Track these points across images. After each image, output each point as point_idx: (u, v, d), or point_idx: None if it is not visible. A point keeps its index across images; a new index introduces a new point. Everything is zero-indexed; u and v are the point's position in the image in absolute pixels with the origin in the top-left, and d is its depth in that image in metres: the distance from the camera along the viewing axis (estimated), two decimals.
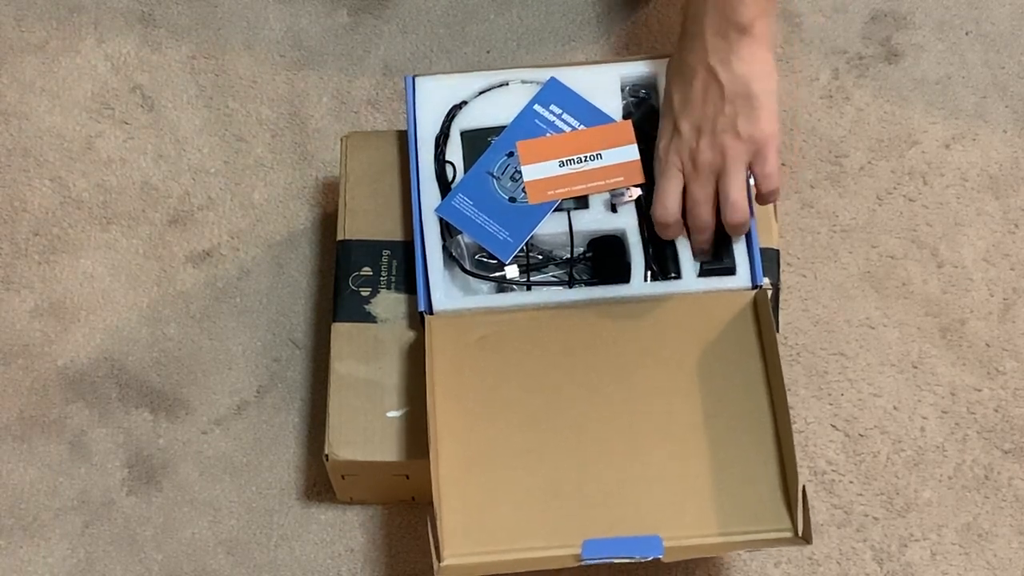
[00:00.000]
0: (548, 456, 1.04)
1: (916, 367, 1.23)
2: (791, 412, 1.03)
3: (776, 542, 1.02)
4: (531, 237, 1.11)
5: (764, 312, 1.07)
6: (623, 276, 1.10)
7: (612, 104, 1.15)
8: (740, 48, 1.04)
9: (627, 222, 1.11)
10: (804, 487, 0.99)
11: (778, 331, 1.09)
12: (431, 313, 1.09)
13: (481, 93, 1.16)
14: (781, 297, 1.23)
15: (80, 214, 1.30)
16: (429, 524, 0.99)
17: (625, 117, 1.15)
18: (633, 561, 0.99)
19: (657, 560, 0.99)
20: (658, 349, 1.07)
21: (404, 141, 1.18)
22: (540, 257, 1.12)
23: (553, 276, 1.12)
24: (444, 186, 1.13)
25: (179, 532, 1.18)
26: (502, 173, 1.13)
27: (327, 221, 1.29)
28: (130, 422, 1.22)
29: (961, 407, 1.22)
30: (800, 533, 1.01)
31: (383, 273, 1.14)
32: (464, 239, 1.12)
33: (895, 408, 1.22)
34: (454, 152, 1.15)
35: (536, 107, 1.15)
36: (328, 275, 1.26)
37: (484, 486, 1.03)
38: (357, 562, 1.17)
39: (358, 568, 1.17)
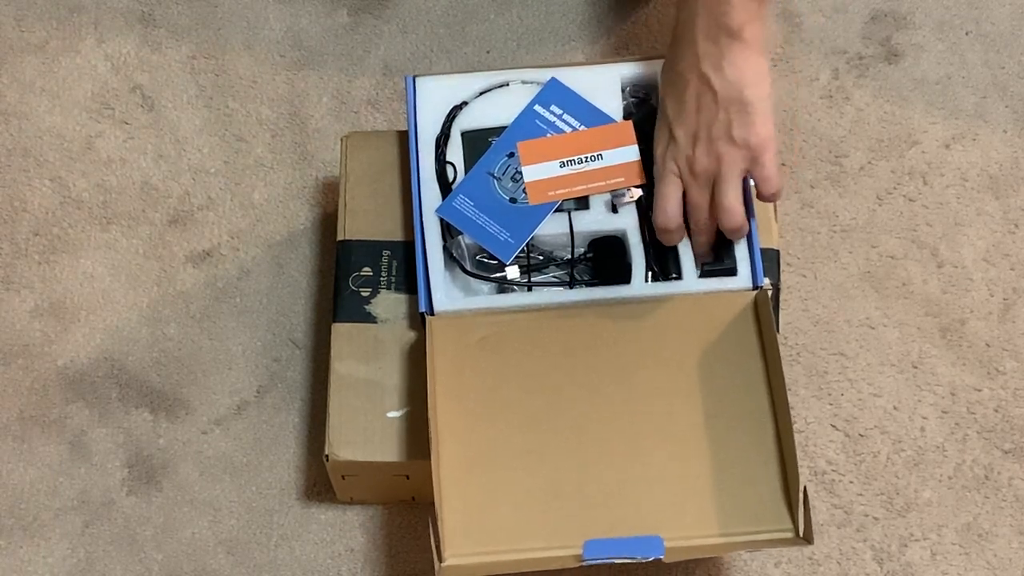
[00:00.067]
0: (549, 456, 1.04)
1: (916, 367, 1.23)
2: (791, 412, 1.02)
3: (777, 542, 1.02)
4: (532, 238, 1.11)
5: (765, 313, 1.07)
6: (624, 277, 1.10)
7: (612, 104, 1.15)
8: (731, 53, 1.03)
9: (628, 223, 1.11)
10: (805, 487, 0.99)
11: (778, 331, 1.08)
12: (432, 314, 1.09)
13: (481, 93, 1.16)
14: (781, 297, 1.23)
15: (80, 214, 1.30)
16: (430, 524, 0.99)
17: (626, 117, 1.15)
18: (634, 561, 0.99)
19: (658, 560, 0.99)
20: (659, 350, 1.07)
21: (404, 141, 1.18)
22: (541, 258, 1.12)
23: (554, 277, 1.12)
24: (445, 187, 1.13)
25: (179, 532, 1.18)
26: (503, 174, 1.13)
27: (327, 221, 1.29)
28: (130, 422, 1.22)
29: (961, 407, 1.22)
30: (801, 533, 1.01)
31: (383, 273, 1.14)
32: (465, 240, 1.11)
33: (895, 408, 1.22)
34: (455, 152, 1.14)
35: (537, 107, 1.15)
36: (328, 275, 1.26)
37: (485, 486, 1.03)
38: (357, 562, 1.17)
39: (358, 568, 1.17)
